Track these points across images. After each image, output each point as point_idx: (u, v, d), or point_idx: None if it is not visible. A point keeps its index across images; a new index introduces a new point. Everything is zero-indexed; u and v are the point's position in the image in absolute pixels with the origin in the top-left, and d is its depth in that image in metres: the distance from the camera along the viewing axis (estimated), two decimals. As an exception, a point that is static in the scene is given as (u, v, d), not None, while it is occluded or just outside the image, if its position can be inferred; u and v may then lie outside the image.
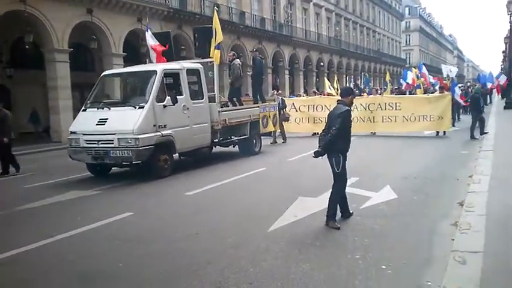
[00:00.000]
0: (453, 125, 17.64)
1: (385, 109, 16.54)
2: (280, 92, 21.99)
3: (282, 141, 15.95)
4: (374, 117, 16.71)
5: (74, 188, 9.45)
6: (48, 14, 20.11)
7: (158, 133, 9.90)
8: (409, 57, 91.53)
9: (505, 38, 57.83)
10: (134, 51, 25.44)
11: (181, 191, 8.57)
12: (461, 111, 22.12)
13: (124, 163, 10.07)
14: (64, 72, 20.83)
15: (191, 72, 11.32)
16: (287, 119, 16.34)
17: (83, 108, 10.81)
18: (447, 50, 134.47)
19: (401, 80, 28.06)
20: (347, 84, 26.20)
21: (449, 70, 32.66)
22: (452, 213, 6.42)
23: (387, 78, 23.06)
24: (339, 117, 5.90)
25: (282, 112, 15.65)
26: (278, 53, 40.49)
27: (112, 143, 9.59)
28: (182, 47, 28.45)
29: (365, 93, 23.94)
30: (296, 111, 17.56)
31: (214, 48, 11.88)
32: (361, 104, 16.83)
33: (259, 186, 8.94)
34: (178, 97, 10.31)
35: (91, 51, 25.18)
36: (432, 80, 21.88)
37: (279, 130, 15.69)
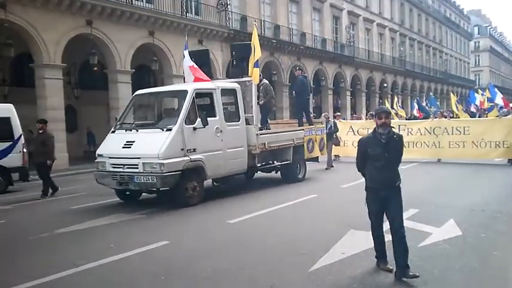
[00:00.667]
0: None
1: (452, 133, 15.34)
2: (339, 113, 21.33)
3: (326, 167, 14.86)
4: (439, 142, 15.55)
5: (119, 210, 9.30)
6: (112, 36, 20.73)
7: (187, 158, 9.18)
8: (478, 79, 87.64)
9: None
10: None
11: (222, 219, 8.12)
12: None
13: (150, 189, 9.54)
14: (125, 92, 21.27)
15: (226, 92, 10.65)
16: (338, 144, 15.58)
17: (112, 129, 10.34)
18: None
19: (469, 101, 26.57)
20: (415, 106, 25.11)
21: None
22: (528, 257, 5.61)
23: (453, 100, 21.68)
24: None
25: (334, 136, 15.01)
26: (339, 73, 39.79)
27: (137, 168, 9.03)
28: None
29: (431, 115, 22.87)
30: (354, 134, 16.67)
31: (253, 66, 11.06)
32: (425, 128, 15.86)
33: (307, 216, 8.35)
34: (210, 119, 9.65)
35: (153, 72, 25.71)
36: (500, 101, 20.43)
37: (328, 155, 15.00)
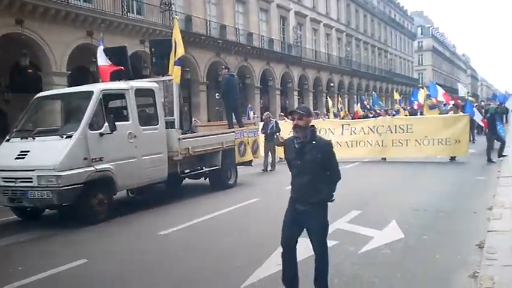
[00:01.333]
0: None
1: (395, 132, 15.08)
2: (282, 113, 20.90)
3: (270, 168, 14.43)
4: (383, 140, 15.24)
5: (29, 227, 8.23)
6: (46, 36, 19.59)
7: (91, 168, 8.03)
8: (422, 77, 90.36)
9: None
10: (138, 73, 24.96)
11: (153, 231, 7.47)
12: (475, 131, 20.90)
13: (48, 206, 8.31)
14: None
15: (142, 92, 9.57)
16: (280, 144, 14.90)
17: (7, 137, 8.88)
18: (460, 70, 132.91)
19: (412, 98, 26.91)
20: (356, 105, 24.98)
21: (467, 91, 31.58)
22: (470, 259, 5.39)
23: (395, 96, 21.88)
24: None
25: (275, 137, 14.43)
26: (287, 74, 39.75)
27: (31, 182, 7.73)
28: (187, 69, 27.86)
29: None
30: None
31: (174, 64, 9.83)
32: (369, 127, 15.58)
33: (246, 223, 7.91)
34: (122, 123, 8.60)
35: (92, 73, 24.56)
36: (441, 98, 20.66)
37: (271, 156, 14.64)
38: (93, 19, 21.51)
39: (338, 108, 27.69)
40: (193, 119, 13.70)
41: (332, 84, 48.70)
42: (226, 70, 13.88)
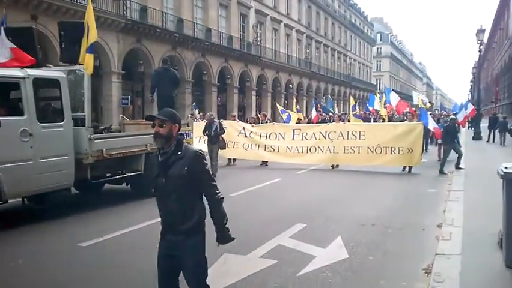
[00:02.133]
0: None
1: (347, 138, 14.32)
2: (234, 114, 20.13)
3: (212, 173, 13.25)
4: (334, 147, 14.47)
5: None
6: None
7: None
8: (380, 83, 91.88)
9: (473, 67, 58.35)
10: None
11: (71, 242, 6.62)
12: (428, 140, 20.75)
13: None
14: None
15: (44, 83, 8.13)
16: (224, 147, 13.88)
17: None
18: (417, 78, 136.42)
19: (368, 105, 26.84)
20: (313, 109, 24.28)
21: (422, 99, 31.69)
22: (416, 287, 4.91)
23: (352, 102, 21.41)
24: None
25: (220, 139, 13.44)
26: (245, 72, 39.20)
27: None
28: (140, 62, 26.82)
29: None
30: (245, 136, 15.50)
31: (86, 52, 8.47)
32: (321, 132, 14.76)
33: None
34: (11, 118, 7.33)
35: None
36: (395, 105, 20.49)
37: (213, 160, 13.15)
38: (38, 2, 20.37)
39: (295, 111, 27.24)
40: (121, 115, 12.20)
41: (291, 86, 48.55)
42: (163, 64, 12.41)
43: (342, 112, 24.58)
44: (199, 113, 17.53)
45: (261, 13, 41.34)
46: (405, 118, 17.44)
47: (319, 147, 14.66)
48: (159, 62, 28.24)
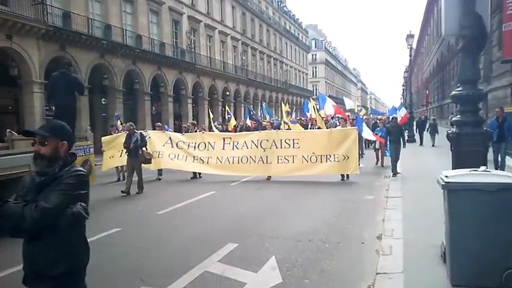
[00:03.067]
0: None
1: (281, 147, 13.35)
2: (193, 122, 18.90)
3: (137, 191, 11.88)
4: (267, 157, 13.46)
5: None
6: None
7: None
8: (316, 89, 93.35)
9: (404, 71, 60.37)
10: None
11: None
12: (363, 145, 20.41)
13: None
14: None
15: None
16: (148, 161, 12.69)
17: None
18: (351, 83, 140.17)
19: (304, 111, 26.55)
20: (243, 116, 23.33)
21: (357, 105, 31.90)
22: (357, 315, 4.33)
23: (284, 109, 20.77)
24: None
25: (141, 152, 12.12)
26: (180, 80, 38.14)
27: None
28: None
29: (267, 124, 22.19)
30: (172, 147, 14.34)
31: None
32: (252, 141, 13.74)
33: (96, 264, 6.28)
34: None
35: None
36: (329, 111, 20.19)
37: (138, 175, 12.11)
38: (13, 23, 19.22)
39: (226, 119, 26.46)
40: (7, 130, 10.51)
41: (227, 93, 47.96)
42: (67, 68, 10.11)
43: (274, 118, 23.53)
44: (121, 124, 16.29)
45: (194, 19, 40.46)
46: (338, 123, 16.88)
47: (251, 157, 13.63)
48: (87, 70, 26.81)
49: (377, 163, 16.95)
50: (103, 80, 28.61)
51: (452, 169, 5.17)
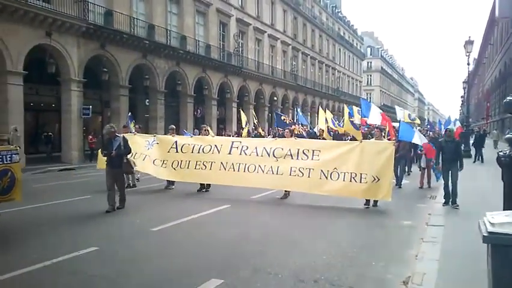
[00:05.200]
0: (398, 185, 13.82)
1: (297, 158, 11.22)
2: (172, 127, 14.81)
3: (118, 205, 9.90)
4: (278, 167, 11.32)
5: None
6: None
7: None
8: (370, 97, 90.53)
9: (463, 82, 56.98)
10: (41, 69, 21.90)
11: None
12: (411, 161, 17.75)
13: None
14: None
15: None
16: (131, 172, 10.93)
17: None
18: (408, 93, 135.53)
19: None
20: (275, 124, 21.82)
21: (408, 114, 29.63)
22: None
23: (325, 115, 18.84)
24: None
25: (125, 160, 10.11)
26: (225, 83, 37.30)
27: None
28: (105, 70, 24.84)
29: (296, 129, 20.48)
30: (176, 151, 12.67)
31: None
32: (264, 148, 11.72)
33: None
34: None
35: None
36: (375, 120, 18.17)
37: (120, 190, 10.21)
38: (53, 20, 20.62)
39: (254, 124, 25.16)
40: None
41: (275, 98, 46.74)
42: None
43: (305, 124, 21.42)
44: (135, 126, 15.24)
45: (242, 22, 39.58)
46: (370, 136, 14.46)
47: (259, 166, 11.56)
48: (128, 70, 26.39)
49: (421, 187, 14.17)
50: (144, 80, 28.14)
51: (504, 208, 3.66)
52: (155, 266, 6.01)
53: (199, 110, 36.69)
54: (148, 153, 12.79)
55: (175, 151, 12.61)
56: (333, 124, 20.47)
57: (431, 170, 13.62)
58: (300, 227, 8.66)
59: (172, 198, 11.97)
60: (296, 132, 19.74)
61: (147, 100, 30.61)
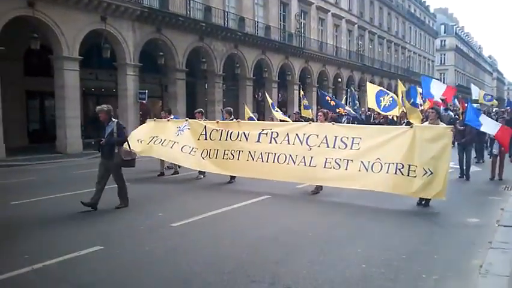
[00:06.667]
0: (465, 177, 12.16)
1: (333, 146, 9.50)
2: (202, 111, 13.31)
3: (119, 204, 8.46)
4: (311, 157, 9.66)
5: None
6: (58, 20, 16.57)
7: None
8: (444, 77, 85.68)
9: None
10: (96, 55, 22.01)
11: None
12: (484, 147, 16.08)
13: None
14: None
15: None
16: (128, 163, 8.57)
17: None
18: (486, 72, 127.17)
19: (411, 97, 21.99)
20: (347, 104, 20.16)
21: (483, 94, 27.13)
22: None
23: (401, 89, 16.48)
24: None
25: (116, 150, 8.30)
26: (286, 65, 36.16)
27: None
28: (161, 54, 24.56)
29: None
30: (206, 139, 11.45)
31: None
32: (297, 135, 10.05)
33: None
34: None
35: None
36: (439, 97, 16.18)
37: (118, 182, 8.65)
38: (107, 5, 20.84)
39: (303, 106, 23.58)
40: None
41: (339, 80, 44.97)
42: None
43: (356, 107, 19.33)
44: (162, 111, 14.01)
45: (304, 2, 38.09)
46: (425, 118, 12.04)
47: (291, 156, 9.98)
48: (184, 53, 26.00)
49: (493, 178, 12.32)
50: (201, 63, 27.68)
51: None
52: (156, 271, 5.23)
53: (260, 93, 35.90)
54: (177, 139, 11.80)
55: (204, 138, 11.47)
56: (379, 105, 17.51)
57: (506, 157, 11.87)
58: (335, 227, 7.32)
59: (201, 189, 10.95)
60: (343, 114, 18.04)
61: (206, 84, 30.24)
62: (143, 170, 12.86)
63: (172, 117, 13.76)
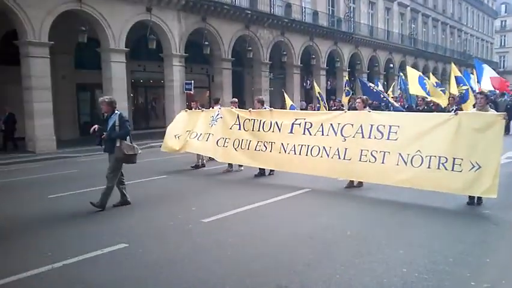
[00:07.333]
0: None
1: (369, 136, 8.61)
2: (236, 100, 12.63)
3: (95, 202, 7.61)
4: (346, 149, 8.89)
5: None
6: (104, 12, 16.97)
7: None
8: (504, 61, 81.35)
9: None
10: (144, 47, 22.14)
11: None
12: None
13: None
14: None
15: None
16: (130, 159, 7.91)
17: None
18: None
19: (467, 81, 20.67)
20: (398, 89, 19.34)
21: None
22: None
23: (454, 74, 15.36)
24: None
25: (118, 144, 7.75)
26: (335, 52, 35.25)
27: None
28: (206, 43, 24.43)
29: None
30: (239, 129, 10.84)
31: None
32: (331, 125, 9.25)
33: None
34: None
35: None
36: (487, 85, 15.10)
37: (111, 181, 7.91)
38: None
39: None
40: None
41: (391, 65, 43.47)
42: None
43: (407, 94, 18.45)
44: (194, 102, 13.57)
45: (354, -15, 36.98)
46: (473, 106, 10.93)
47: (324, 148, 9.23)
48: (230, 42, 25.79)
49: None
50: (247, 52, 27.38)
51: None
52: (174, 270, 4.95)
53: (308, 81, 35.28)
54: (212, 131, 11.37)
55: (238, 128, 10.90)
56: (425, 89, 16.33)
57: None
58: (375, 226, 6.68)
59: (239, 182, 10.58)
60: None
61: (252, 73, 29.97)
62: (183, 162, 12.76)
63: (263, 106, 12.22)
